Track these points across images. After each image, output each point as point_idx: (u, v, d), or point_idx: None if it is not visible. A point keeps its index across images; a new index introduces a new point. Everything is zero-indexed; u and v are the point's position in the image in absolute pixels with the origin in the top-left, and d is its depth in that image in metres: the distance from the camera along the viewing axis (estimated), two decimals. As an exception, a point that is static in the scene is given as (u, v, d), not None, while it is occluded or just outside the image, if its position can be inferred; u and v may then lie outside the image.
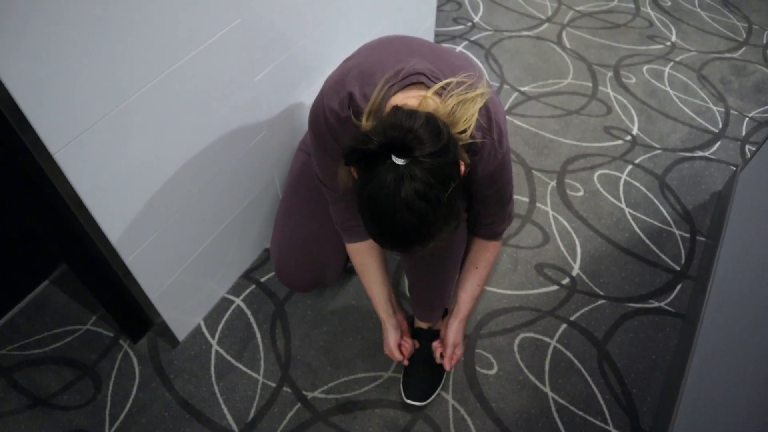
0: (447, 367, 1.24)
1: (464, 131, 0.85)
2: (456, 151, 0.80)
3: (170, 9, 0.93)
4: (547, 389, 1.35)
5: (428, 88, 0.88)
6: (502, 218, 1.13)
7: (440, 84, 0.88)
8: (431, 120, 0.77)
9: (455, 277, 1.25)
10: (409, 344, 1.29)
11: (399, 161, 0.75)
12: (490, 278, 1.54)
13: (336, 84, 0.97)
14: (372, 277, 1.22)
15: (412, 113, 0.77)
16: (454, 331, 1.24)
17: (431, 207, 0.76)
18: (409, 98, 0.88)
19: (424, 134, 0.75)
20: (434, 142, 0.76)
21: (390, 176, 0.75)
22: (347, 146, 0.78)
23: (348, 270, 1.56)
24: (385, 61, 0.94)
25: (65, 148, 0.88)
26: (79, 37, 0.81)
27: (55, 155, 0.87)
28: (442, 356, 1.26)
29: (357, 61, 0.98)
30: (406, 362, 1.29)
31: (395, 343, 1.27)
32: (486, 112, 0.92)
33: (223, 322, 1.46)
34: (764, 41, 2.34)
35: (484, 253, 1.20)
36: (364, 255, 1.19)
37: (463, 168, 0.83)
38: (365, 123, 0.87)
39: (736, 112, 2.03)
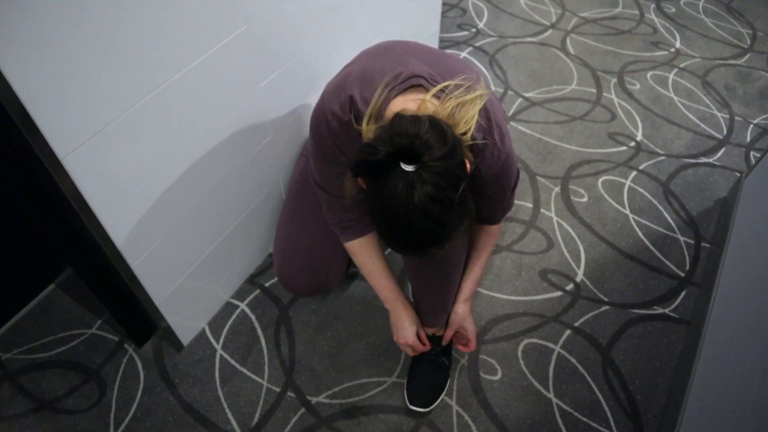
0: (445, 341, 1.28)
1: (465, 133, 0.85)
2: (462, 152, 0.81)
3: (177, 15, 0.94)
4: (551, 395, 1.35)
5: (427, 91, 0.89)
6: (503, 209, 1.15)
7: (439, 87, 0.88)
8: (435, 124, 0.78)
9: (458, 281, 1.25)
10: (419, 346, 1.25)
11: (408, 168, 0.76)
12: (492, 282, 1.54)
13: (336, 88, 0.98)
14: (378, 272, 1.23)
15: (415, 119, 0.78)
16: (458, 313, 1.25)
17: (445, 209, 0.77)
18: (408, 101, 0.89)
19: (431, 139, 0.76)
20: (441, 145, 0.76)
21: (401, 183, 0.76)
22: (354, 159, 0.79)
23: (350, 275, 1.56)
24: (385, 65, 0.95)
25: (73, 153, 0.88)
26: (87, 43, 0.82)
27: (63, 160, 0.88)
28: (451, 343, 1.29)
29: (357, 66, 0.99)
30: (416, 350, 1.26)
31: (414, 336, 1.22)
32: (485, 113, 0.93)
33: (227, 326, 1.46)
34: (769, 48, 2.35)
35: (484, 236, 1.21)
36: (364, 251, 1.19)
37: (468, 166, 0.84)
38: (366, 127, 0.87)
39: (740, 119, 2.03)
